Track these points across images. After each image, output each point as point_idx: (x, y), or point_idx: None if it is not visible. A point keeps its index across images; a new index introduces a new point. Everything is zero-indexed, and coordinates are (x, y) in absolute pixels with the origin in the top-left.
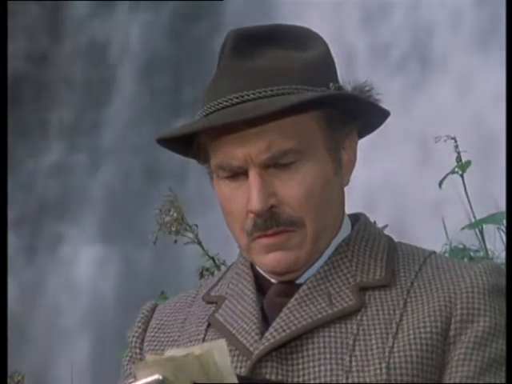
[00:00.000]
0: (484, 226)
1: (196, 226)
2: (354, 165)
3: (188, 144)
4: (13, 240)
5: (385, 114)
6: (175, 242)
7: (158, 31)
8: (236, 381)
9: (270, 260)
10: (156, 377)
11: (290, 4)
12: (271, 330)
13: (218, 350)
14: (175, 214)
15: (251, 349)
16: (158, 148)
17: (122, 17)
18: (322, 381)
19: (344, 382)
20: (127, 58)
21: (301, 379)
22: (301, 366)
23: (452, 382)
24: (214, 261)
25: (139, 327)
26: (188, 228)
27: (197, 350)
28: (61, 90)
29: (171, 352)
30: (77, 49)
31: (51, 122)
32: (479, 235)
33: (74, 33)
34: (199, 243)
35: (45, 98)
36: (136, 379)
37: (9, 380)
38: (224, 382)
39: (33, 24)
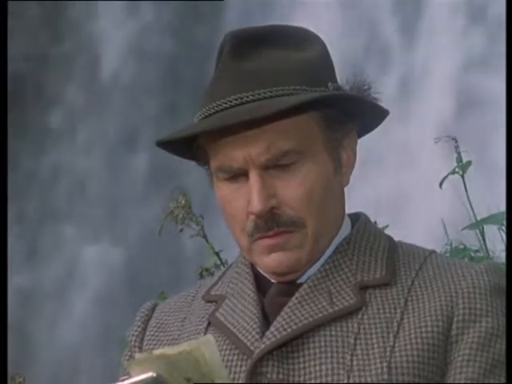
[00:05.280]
0: (485, 226)
1: (202, 217)
2: (354, 164)
3: (187, 146)
4: (13, 240)
5: (384, 113)
6: (181, 230)
7: (158, 31)
8: (226, 373)
9: (271, 261)
10: (150, 374)
11: (290, 4)
12: (272, 329)
13: (206, 345)
14: (183, 202)
15: (252, 348)
16: (159, 148)
17: (122, 17)
18: (323, 380)
19: (345, 381)
20: (127, 58)
21: (302, 378)
22: (302, 365)
23: (456, 383)
24: (218, 256)
25: (139, 326)
26: (194, 218)
27: (184, 347)
28: (61, 90)
29: (159, 351)
30: (77, 49)
31: (51, 121)
32: (480, 235)
33: (74, 33)
34: (204, 236)
35: (45, 98)
36: (130, 377)
37: (10, 381)
38: (215, 375)
39: (33, 24)
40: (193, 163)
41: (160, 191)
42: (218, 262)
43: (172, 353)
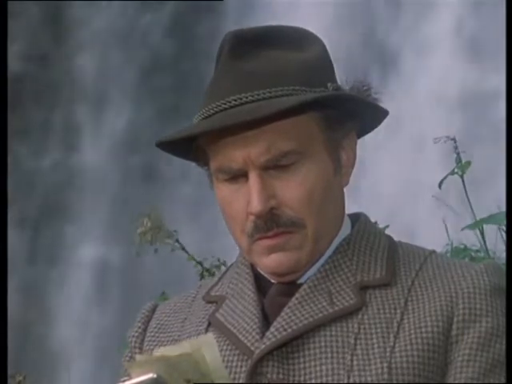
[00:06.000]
0: (485, 226)
1: (175, 231)
2: (353, 164)
3: (188, 147)
4: (13, 240)
5: (383, 114)
6: (155, 251)
7: (158, 31)
8: (226, 373)
9: (271, 261)
10: (150, 375)
11: (290, 4)
12: (272, 329)
13: (207, 345)
14: (149, 224)
15: (252, 348)
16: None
17: (122, 17)
18: (324, 380)
19: (345, 381)
20: (127, 57)
21: (302, 378)
22: (302, 366)
23: (457, 383)
24: (201, 265)
25: (139, 327)
26: (167, 234)
27: (185, 346)
28: (61, 89)
29: (160, 351)
30: (77, 49)
31: (51, 121)
32: (480, 235)
33: (75, 33)
34: (183, 248)
35: (45, 98)
36: (130, 378)
37: (10, 380)
38: (215, 376)
39: (33, 24)
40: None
41: (160, 191)
42: (218, 263)
43: (172, 355)
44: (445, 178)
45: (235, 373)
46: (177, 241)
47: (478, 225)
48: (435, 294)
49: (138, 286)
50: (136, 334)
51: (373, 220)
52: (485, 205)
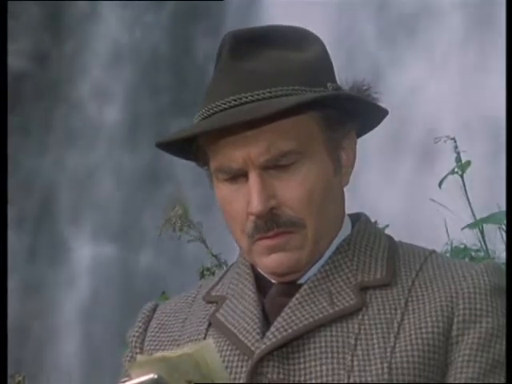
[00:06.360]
0: (485, 225)
1: (201, 224)
2: (353, 164)
3: (188, 147)
4: (13, 240)
5: (383, 113)
6: (179, 237)
7: (158, 31)
8: (227, 374)
9: (271, 261)
10: (151, 376)
11: (290, 4)
12: (272, 329)
13: (207, 349)
14: (180, 211)
15: (252, 348)
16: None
17: (122, 17)
18: (324, 380)
19: (346, 381)
20: (127, 57)
21: (302, 378)
22: (302, 366)
23: (457, 383)
24: (217, 259)
25: (140, 327)
26: (192, 226)
27: (185, 350)
28: (61, 89)
29: (160, 354)
30: (77, 49)
31: (52, 121)
32: (480, 235)
33: (75, 32)
34: (203, 241)
35: (45, 98)
36: (131, 378)
37: (10, 380)
38: (216, 376)
39: (33, 24)
40: (191, 163)
41: (160, 191)
42: (220, 262)
43: (173, 355)
44: (445, 177)
45: (235, 373)
46: (200, 233)
47: (477, 224)
48: (435, 295)
49: (137, 286)
50: (137, 334)
51: (373, 219)
52: (485, 205)
